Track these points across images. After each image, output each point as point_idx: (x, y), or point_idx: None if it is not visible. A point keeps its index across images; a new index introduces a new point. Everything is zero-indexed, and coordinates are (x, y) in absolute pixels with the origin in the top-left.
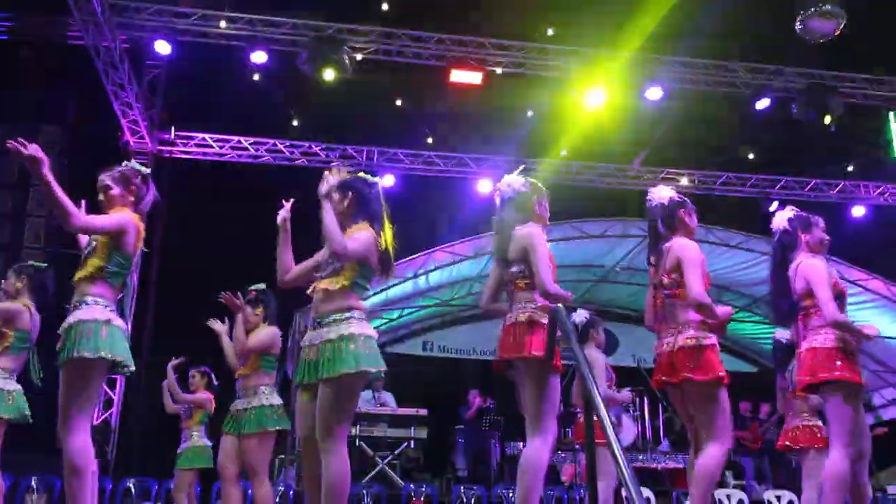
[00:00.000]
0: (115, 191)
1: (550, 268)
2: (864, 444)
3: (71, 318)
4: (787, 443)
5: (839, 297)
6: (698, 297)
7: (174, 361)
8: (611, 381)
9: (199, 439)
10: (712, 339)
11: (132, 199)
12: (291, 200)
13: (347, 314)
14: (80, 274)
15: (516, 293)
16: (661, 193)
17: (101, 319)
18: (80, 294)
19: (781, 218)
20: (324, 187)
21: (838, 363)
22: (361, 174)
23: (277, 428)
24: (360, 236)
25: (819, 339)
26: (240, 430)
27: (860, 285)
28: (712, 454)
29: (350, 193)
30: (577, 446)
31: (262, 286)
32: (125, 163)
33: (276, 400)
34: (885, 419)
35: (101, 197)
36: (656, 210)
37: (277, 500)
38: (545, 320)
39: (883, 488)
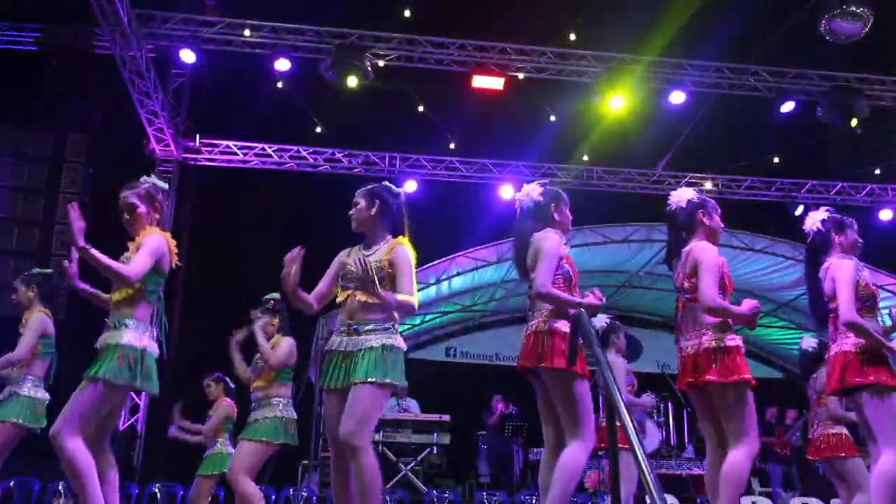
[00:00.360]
0: (142, 209)
1: (571, 272)
2: None
3: (111, 339)
4: (811, 456)
5: (868, 300)
6: (708, 302)
7: (176, 408)
8: (632, 387)
9: (222, 446)
10: (736, 341)
11: (157, 216)
12: (301, 251)
13: (388, 324)
14: (118, 296)
15: (535, 300)
16: (681, 196)
17: (139, 347)
18: (121, 315)
19: (814, 219)
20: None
21: (867, 367)
22: (386, 183)
23: (281, 441)
24: (407, 260)
25: (849, 342)
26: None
27: (888, 290)
28: (739, 458)
29: (377, 202)
30: (600, 452)
31: (277, 295)
32: (144, 178)
33: (290, 413)
34: None
35: (126, 216)
36: (676, 214)
37: None
38: (565, 328)
39: None
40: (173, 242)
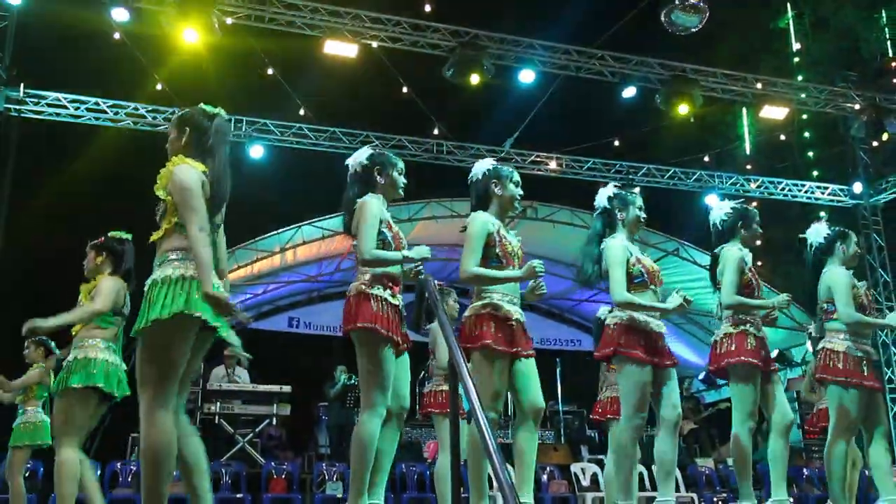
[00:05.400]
0: None
1: (391, 237)
2: None
3: None
4: (596, 416)
5: (637, 277)
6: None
7: None
8: None
9: (34, 414)
10: (377, 290)
11: None
12: None
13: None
14: None
15: (358, 265)
16: (479, 165)
17: None
18: None
19: (603, 195)
20: None
21: (617, 340)
22: (202, 105)
23: (81, 385)
24: (178, 181)
25: (615, 316)
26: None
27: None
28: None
29: (187, 129)
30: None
31: (119, 234)
32: None
33: (112, 358)
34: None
35: None
36: (473, 183)
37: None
38: (376, 291)
39: (724, 460)
40: None
